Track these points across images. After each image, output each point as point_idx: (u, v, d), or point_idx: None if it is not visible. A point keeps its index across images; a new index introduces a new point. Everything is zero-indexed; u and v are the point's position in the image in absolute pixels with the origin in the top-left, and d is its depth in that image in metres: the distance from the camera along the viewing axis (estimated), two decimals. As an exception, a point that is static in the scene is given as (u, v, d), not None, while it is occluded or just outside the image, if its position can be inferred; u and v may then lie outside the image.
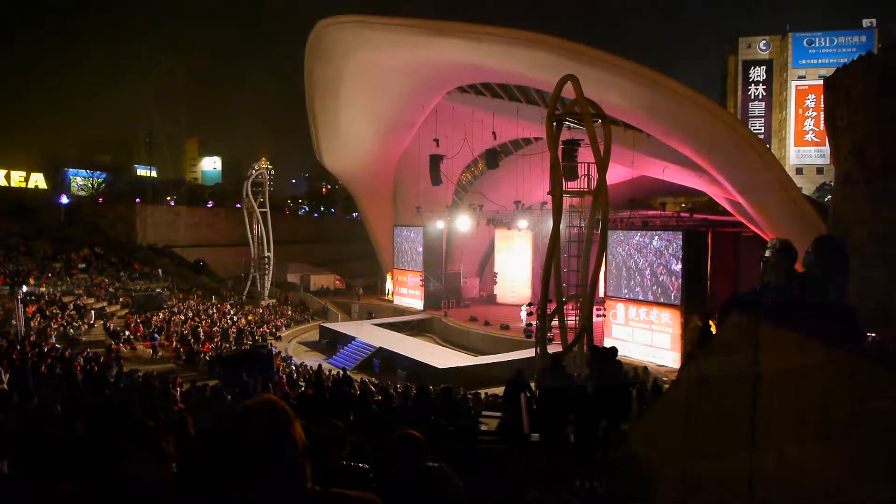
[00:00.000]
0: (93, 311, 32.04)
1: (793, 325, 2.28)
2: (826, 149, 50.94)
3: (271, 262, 46.94)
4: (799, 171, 58.88)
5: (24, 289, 30.65)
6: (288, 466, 1.67)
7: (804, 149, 60.78)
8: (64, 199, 55.50)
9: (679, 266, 25.33)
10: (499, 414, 16.05)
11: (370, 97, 37.12)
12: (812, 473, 1.91)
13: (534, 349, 22.12)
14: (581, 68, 22.23)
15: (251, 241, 46.95)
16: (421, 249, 41.17)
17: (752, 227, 26.70)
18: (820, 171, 59.09)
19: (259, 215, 46.71)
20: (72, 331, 28.02)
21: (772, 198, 23.44)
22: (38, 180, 57.86)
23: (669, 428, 4.17)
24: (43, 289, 33.27)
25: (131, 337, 29.67)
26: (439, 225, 40.54)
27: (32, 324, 26.90)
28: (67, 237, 47.77)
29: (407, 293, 42.77)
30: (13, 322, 25.40)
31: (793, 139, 60.99)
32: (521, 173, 34.82)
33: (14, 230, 44.63)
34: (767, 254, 3.63)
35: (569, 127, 21.67)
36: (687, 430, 3.50)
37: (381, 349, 30.42)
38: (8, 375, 12.53)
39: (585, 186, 21.74)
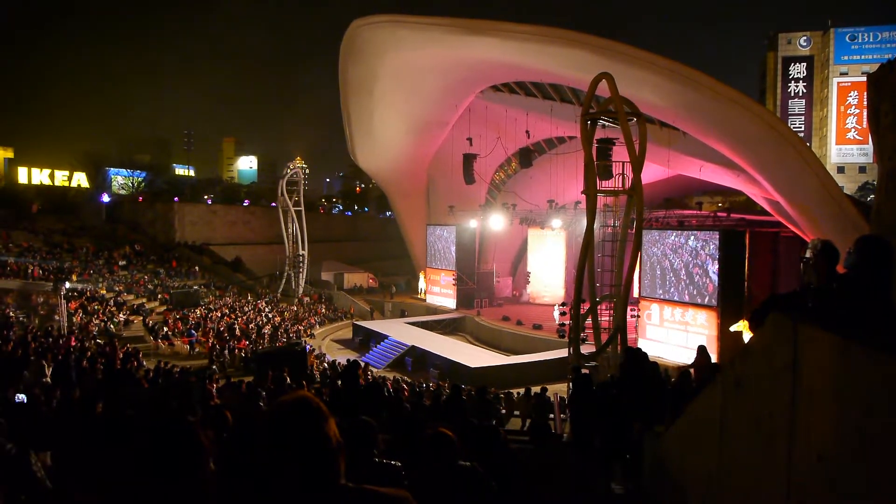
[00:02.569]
0: (127, 309, 32.75)
1: (834, 327, 2.23)
2: (869, 147, 49.75)
3: (305, 260, 47.47)
4: (840, 169, 57.51)
5: (67, 285, 31.46)
6: (322, 463, 1.69)
7: (846, 147, 59.34)
8: (105, 198, 56.92)
9: (716, 266, 24.93)
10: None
11: (404, 96, 37.25)
12: (851, 479, 1.87)
13: (567, 349, 21.97)
14: (616, 66, 21.98)
15: (286, 240, 47.58)
16: (454, 248, 41.18)
17: (792, 228, 26.12)
18: (862, 169, 57.63)
19: (294, 214, 47.28)
20: (112, 326, 28.72)
21: (812, 197, 22.89)
22: (80, 179, 59.51)
23: (704, 431, 4.12)
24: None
25: (169, 333, 30.27)
26: (472, 224, 40.53)
27: (75, 319, 27.64)
28: (109, 235, 48.96)
29: (440, 292, 42.83)
30: (56, 317, 26.15)
31: (834, 137, 59.58)
32: (555, 172, 34.63)
33: (58, 228, 45.95)
34: (808, 254, 3.55)
35: (603, 125, 21.43)
36: (722, 432, 3.45)
37: (413, 347, 30.52)
38: (51, 369, 12.89)
39: (620, 185, 21.49)
